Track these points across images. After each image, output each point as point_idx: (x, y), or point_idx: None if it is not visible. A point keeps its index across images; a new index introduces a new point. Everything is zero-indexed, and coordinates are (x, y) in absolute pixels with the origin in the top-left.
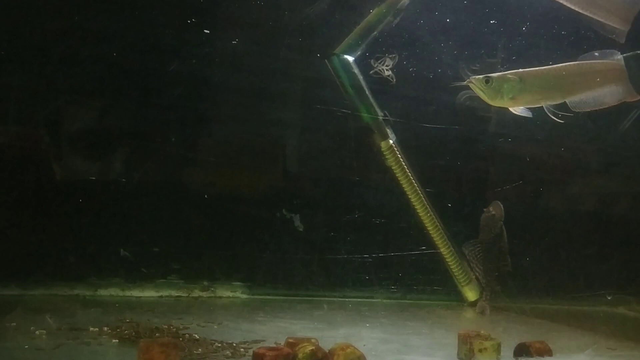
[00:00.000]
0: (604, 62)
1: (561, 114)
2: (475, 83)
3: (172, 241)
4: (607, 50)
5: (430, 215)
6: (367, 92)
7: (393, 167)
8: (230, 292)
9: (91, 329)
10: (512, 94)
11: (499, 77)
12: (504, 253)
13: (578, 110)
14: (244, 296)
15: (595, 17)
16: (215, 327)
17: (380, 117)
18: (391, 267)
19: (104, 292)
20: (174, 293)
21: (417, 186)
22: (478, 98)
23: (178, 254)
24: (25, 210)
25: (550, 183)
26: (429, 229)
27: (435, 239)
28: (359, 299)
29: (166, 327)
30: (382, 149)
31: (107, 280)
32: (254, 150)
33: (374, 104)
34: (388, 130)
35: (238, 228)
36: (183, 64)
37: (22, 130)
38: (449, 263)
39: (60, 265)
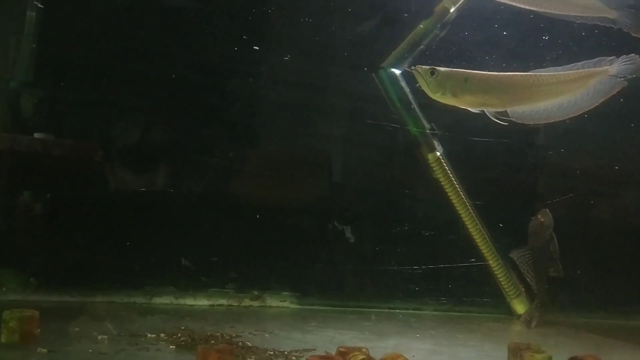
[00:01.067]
0: (558, 74)
1: (504, 118)
2: (421, 73)
3: (225, 252)
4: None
5: (478, 227)
6: (414, 105)
7: (440, 179)
8: (280, 302)
9: (149, 335)
10: (455, 92)
11: (445, 72)
12: (555, 259)
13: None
14: (294, 306)
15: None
16: (266, 335)
17: (427, 130)
18: (440, 279)
19: (158, 300)
20: (226, 302)
21: (465, 198)
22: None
23: (232, 264)
24: (87, 221)
25: (601, 195)
26: (477, 241)
27: (483, 251)
28: (407, 310)
29: (219, 334)
30: (430, 161)
31: (162, 288)
32: (307, 164)
33: (421, 117)
34: (435, 142)
35: (290, 239)
36: (236, 81)
37: (86, 144)
38: (498, 275)
39: (118, 274)
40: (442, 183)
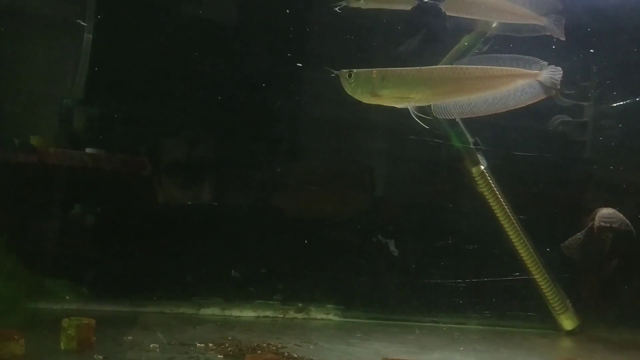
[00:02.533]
0: (478, 68)
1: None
2: (340, 76)
3: (271, 264)
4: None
5: (523, 241)
6: (457, 119)
7: (485, 193)
8: (324, 315)
9: (197, 344)
10: (373, 90)
11: (361, 72)
12: (609, 259)
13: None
14: (337, 319)
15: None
16: (311, 347)
17: (471, 144)
18: (484, 293)
19: (205, 311)
20: (271, 314)
21: (510, 212)
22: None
23: (277, 277)
24: (137, 234)
25: None
26: (522, 255)
27: (529, 266)
28: (451, 325)
29: (265, 345)
30: (474, 175)
31: (209, 300)
32: (352, 179)
33: (465, 131)
34: (479, 156)
35: (335, 252)
36: (281, 98)
37: (135, 158)
38: (544, 290)
39: (168, 286)
40: (487, 197)
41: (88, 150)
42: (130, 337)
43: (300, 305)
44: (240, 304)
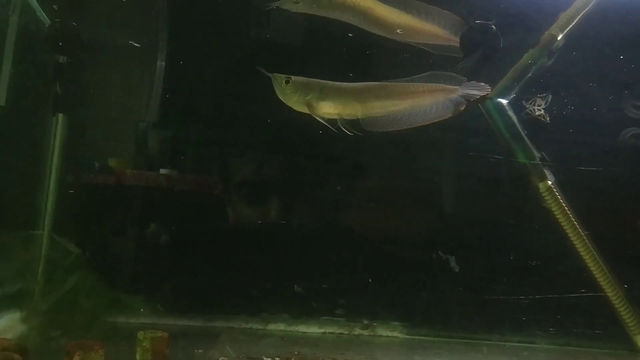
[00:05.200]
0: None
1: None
2: (276, 79)
3: (336, 281)
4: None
5: (594, 257)
6: (522, 134)
7: (553, 209)
8: (390, 332)
9: (264, 358)
10: (310, 101)
11: (300, 81)
12: None
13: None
14: (403, 336)
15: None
16: None
17: (538, 159)
18: (552, 311)
19: (272, 327)
20: (336, 330)
21: (579, 227)
22: None
23: (342, 293)
24: (208, 251)
25: None
26: (593, 271)
27: (601, 282)
28: (518, 343)
29: None
30: (541, 190)
31: (276, 315)
32: (411, 196)
33: (531, 146)
34: (546, 171)
35: (400, 269)
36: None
37: (207, 178)
38: (618, 308)
39: (237, 302)
40: (554, 212)
41: (162, 171)
42: (201, 350)
43: (365, 322)
44: (307, 320)
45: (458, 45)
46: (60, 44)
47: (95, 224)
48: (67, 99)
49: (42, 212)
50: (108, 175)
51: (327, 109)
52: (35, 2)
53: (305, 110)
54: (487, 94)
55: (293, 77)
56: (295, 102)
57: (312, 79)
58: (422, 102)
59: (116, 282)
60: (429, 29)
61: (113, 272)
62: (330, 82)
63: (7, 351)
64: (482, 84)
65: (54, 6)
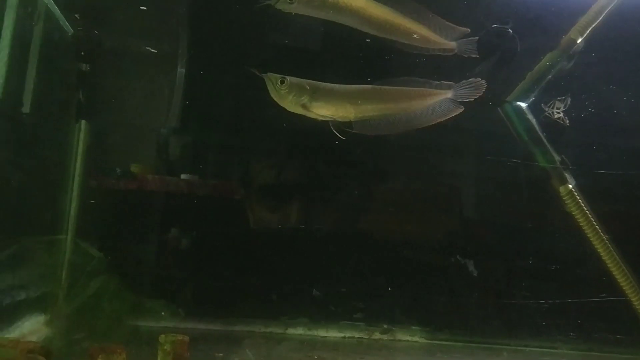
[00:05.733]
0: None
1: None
2: (271, 80)
3: (355, 285)
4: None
5: (616, 261)
6: (542, 137)
7: (574, 212)
8: (410, 336)
9: None
10: (304, 102)
11: (295, 81)
12: None
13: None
14: (423, 340)
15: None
16: None
17: (558, 162)
18: (569, 314)
19: (292, 331)
20: (356, 334)
21: (601, 231)
22: None
23: (361, 298)
24: (228, 256)
25: None
26: (615, 275)
27: (623, 286)
28: (538, 348)
29: None
30: (561, 194)
31: (296, 320)
32: (429, 201)
33: (551, 149)
34: (567, 175)
35: (420, 274)
36: None
37: (227, 184)
38: None
39: (256, 306)
40: (576, 216)
41: (183, 176)
42: (221, 354)
43: (385, 326)
44: (326, 324)
45: (451, 51)
46: (82, 52)
47: (118, 229)
48: (90, 106)
49: (65, 217)
50: (130, 181)
51: (320, 110)
52: (58, 11)
53: (299, 110)
54: (483, 93)
55: (288, 78)
56: (290, 103)
57: (306, 80)
58: (415, 105)
59: (138, 286)
60: (422, 32)
61: (135, 276)
62: (324, 84)
63: (32, 353)
64: (478, 80)
65: (76, 15)
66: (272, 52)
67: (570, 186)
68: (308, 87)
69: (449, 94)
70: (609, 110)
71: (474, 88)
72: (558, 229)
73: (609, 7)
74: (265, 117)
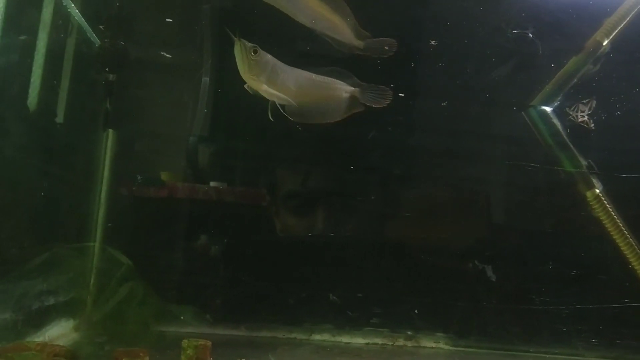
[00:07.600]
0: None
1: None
2: (242, 46)
3: (379, 291)
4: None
5: None
6: (567, 141)
7: (601, 217)
8: (434, 343)
9: None
10: (270, 79)
11: (269, 56)
12: None
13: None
14: (447, 347)
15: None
16: None
17: (585, 167)
18: (595, 322)
19: (316, 337)
20: (380, 341)
21: (630, 235)
22: None
23: (384, 304)
24: (255, 262)
25: None
26: None
27: None
28: (563, 356)
29: None
30: (588, 199)
31: (320, 325)
32: (449, 206)
33: (577, 154)
34: (593, 179)
35: (447, 281)
36: (379, 129)
37: (254, 191)
38: None
39: (281, 311)
40: (603, 221)
41: (212, 183)
42: (244, 359)
43: (409, 333)
44: (351, 330)
45: (357, 49)
46: (109, 62)
47: (148, 236)
48: (117, 115)
49: (93, 224)
50: (160, 188)
51: (280, 90)
52: (86, 23)
53: (253, 84)
54: (386, 103)
55: (264, 53)
56: (251, 75)
57: (278, 61)
58: (329, 98)
59: (166, 292)
60: (339, 25)
61: (163, 283)
62: (280, 62)
63: (58, 357)
64: (385, 89)
65: (101, 27)
66: (297, 60)
67: (598, 191)
68: (271, 62)
69: (356, 93)
70: (635, 113)
71: (380, 95)
72: (580, 233)
73: (636, 9)
74: (290, 124)
